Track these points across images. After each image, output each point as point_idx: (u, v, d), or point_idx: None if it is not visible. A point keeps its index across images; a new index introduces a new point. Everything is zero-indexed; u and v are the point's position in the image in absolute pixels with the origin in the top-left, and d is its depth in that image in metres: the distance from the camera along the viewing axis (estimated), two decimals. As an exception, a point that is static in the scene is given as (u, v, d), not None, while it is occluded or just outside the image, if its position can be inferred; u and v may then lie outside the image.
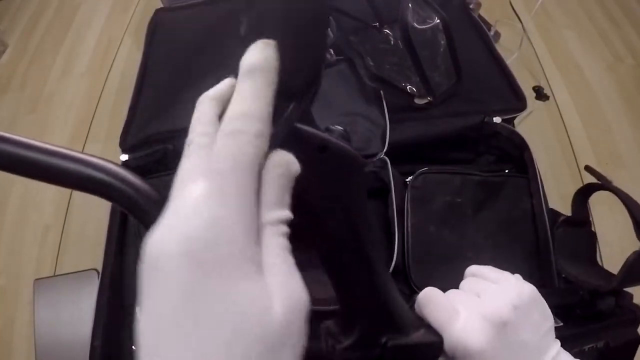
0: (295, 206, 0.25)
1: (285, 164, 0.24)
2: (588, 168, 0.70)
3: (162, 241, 0.20)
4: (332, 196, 0.29)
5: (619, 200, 0.69)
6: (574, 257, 0.73)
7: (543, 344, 0.36)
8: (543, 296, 0.38)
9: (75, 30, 2.15)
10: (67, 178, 0.26)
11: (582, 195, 0.73)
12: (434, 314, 0.36)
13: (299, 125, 0.26)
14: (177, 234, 0.20)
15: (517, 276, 0.39)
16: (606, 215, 1.37)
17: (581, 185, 0.77)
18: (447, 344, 0.35)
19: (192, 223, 0.20)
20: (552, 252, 0.81)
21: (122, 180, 0.27)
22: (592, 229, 0.75)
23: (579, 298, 0.66)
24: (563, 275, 0.74)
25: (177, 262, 0.19)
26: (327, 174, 0.28)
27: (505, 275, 0.39)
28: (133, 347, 0.84)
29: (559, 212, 0.91)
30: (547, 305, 0.38)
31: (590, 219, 0.75)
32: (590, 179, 0.74)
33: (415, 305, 0.38)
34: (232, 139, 0.22)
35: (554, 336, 0.37)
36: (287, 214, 0.23)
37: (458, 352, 0.35)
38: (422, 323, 0.37)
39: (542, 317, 0.37)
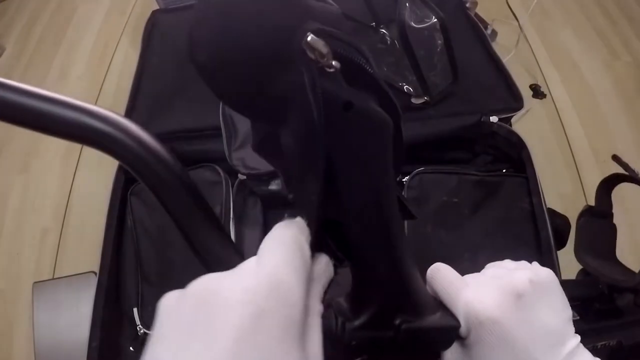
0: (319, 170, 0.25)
1: (329, 267, 0.29)
2: (615, 158, 0.69)
3: (229, 288, 0.22)
4: (355, 158, 0.27)
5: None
6: (593, 248, 0.71)
7: (564, 332, 0.33)
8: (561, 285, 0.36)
9: (72, 33, 2.15)
10: (67, 128, 0.26)
11: (607, 185, 0.71)
12: (444, 285, 0.35)
13: (324, 83, 0.24)
14: (245, 284, 0.22)
15: (535, 263, 0.38)
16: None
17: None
18: (460, 315, 0.33)
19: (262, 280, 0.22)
20: (554, 251, 0.81)
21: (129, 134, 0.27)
22: (614, 222, 0.73)
23: (597, 291, 0.64)
24: (581, 267, 0.73)
25: (240, 310, 0.21)
26: (351, 135, 0.26)
27: (523, 261, 0.38)
28: (130, 348, 0.84)
29: (557, 212, 0.91)
30: (565, 296, 0.35)
31: (613, 211, 0.73)
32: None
33: (427, 285, 0.36)
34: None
35: (574, 329, 0.34)
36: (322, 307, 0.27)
37: (471, 323, 0.32)
38: (439, 306, 0.34)
39: (562, 304, 0.34)
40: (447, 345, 0.34)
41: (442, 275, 0.35)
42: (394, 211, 0.30)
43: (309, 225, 0.27)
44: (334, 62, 0.23)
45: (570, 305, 0.36)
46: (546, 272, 0.35)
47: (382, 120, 0.27)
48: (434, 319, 0.33)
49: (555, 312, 0.33)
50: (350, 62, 0.25)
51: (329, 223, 0.30)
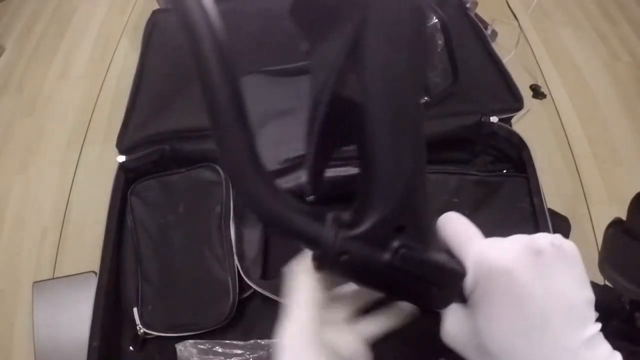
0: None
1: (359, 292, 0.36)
2: None
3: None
4: (390, 32, 0.25)
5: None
6: (619, 265, 0.67)
7: (586, 313, 0.29)
8: None
9: (72, 32, 2.15)
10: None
11: None
12: (455, 231, 0.32)
13: None
14: None
15: (559, 234, 0.33)
16: (605, 214, 1.37)
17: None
18: (469, 263, 0.30)
19: None
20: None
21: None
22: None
23: (619, 304, 0.61)
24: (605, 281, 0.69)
25: None
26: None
27: None
28: (130, 348, 0.84)
29: (557, 212, 0.91)
30: (587, 277, 0.31)
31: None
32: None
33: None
34: None
35: (595, 316, 0.30)
36: None
37: (480, 273, 0.29)
38: (446, 248, 0.31)
39: (584, 282, 0.30)
40: (447, 298, 0.30)
41: (454, 221, 0.32)
42: (419, 101, 0.28)
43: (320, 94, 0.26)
44: None
45: None
46: (570, 243, 0.31)
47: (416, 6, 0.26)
48: (439, 256, 0.30)
49: (577, 287, 0.30)
50: None
51: (345, 107, 0.27)
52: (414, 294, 0.30)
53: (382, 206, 0.27)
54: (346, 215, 0.29)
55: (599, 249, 0.69)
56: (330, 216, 0.28)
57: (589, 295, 0.30)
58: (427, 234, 0.30)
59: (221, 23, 0.23)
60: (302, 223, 0.26)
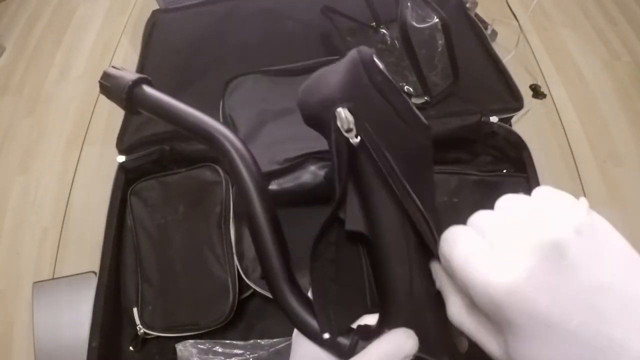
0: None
1: None
2: None
3: None
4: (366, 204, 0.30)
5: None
6: None
7: None
8: None
9: (72, 32, 2.15)
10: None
11: None
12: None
13: (345, 148, 0.30)
14: None
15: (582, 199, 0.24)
16: (605, 214, 1.36)
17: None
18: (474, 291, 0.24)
19: None
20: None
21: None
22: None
23: None
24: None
25: None
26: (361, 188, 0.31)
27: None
28: (130, 347, 0.84)
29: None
30: None
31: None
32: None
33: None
34: None
35: None
36: None
37: (484, 306, 0.23)
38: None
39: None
40: None
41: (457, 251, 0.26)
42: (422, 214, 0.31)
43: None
44: (357, 138, 0.29)
45: None
46: (599, 218, 0.24)
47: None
48: None
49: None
50: (368, 150, 0.30)
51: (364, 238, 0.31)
52: None
53: (397, 324, 0.30)
54: (369, 329, 0.32)
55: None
56: (354, 329, 0.32)
57: None
58: (437, 348, 0.31)
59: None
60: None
